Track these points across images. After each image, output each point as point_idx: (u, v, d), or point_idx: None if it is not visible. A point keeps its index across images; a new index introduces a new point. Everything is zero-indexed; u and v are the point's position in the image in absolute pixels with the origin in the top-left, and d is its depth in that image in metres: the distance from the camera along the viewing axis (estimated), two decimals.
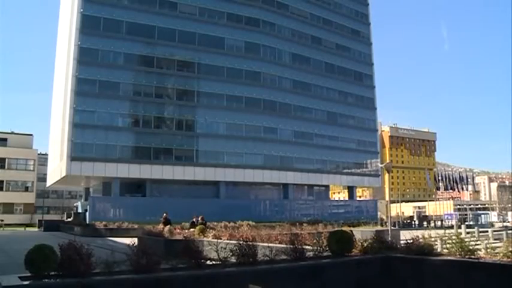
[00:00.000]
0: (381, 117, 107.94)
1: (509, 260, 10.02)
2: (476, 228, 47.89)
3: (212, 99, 69.36)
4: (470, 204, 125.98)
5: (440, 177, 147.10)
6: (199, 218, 33.26)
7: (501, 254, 10.37)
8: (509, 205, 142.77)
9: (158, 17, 66.99)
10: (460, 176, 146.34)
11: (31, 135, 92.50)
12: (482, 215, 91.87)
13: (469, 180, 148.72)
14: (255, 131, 71.91)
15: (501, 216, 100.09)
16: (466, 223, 70.30)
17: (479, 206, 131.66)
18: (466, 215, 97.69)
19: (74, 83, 60.88)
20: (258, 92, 72.55)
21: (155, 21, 66.70)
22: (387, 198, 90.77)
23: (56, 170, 68.26)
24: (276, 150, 73.48)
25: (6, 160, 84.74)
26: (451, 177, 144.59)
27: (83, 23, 62.70)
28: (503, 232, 43.87)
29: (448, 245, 11.95)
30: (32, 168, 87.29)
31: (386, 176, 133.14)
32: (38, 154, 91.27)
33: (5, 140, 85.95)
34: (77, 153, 59.31)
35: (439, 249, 12.93)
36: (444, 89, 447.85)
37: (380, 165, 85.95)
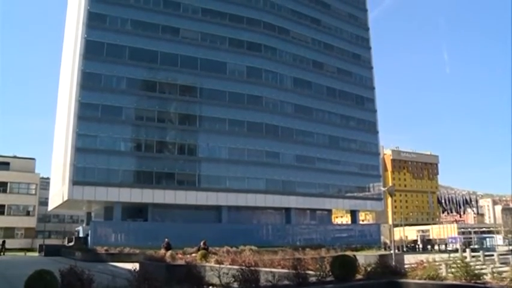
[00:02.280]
0: (382, 140, 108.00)
1: None
2: (481, 252, 47.32)
3: (214, 123, 69.53)
4: (474, 228, 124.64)
5: (443, 200, 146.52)
6: (202, 243, 33.11)
7: (508, 279, 10.24)
8: None
9: (161, 42, 67.70)
10: (463, 199, 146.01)
11: (33, 159, 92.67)
12: (487, 239, 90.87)
13: (472, 203, 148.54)
14: (257, 155, 71.88)
15: (507, 240, 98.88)
16: (471, 247, 69.59)
17: (484, 229, 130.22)
18: (470, 238, 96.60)
19: (76, 107, 61.21)
20: (259, 117, 72.84)
21: (158, 46, 67.36)
22: (390, 222, 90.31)
23: (58, 194, 68.12)
24: (278, 174, 73.35)
25: (8, 184, 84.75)
26: (454, 200, 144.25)
27: (87, 48, 63.32)
28: (510, 256, 43.39)
29: (453, 270, 11.82)
30: (33, 192, 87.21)
31: (389, 199, 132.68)
32: (40, 178, 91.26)
33: (8, 164, 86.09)
34: (79, 177, 59.25)
35: (444, 274, 12.77)
36: (446, 111, 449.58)
37: (382, 189, 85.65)
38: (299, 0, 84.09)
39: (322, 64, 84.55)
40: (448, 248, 74.36)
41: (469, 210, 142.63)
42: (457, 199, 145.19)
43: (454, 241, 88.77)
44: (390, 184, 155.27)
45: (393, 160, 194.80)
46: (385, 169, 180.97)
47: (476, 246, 75.85)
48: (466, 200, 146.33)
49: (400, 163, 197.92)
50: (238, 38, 73.97)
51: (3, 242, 64.74)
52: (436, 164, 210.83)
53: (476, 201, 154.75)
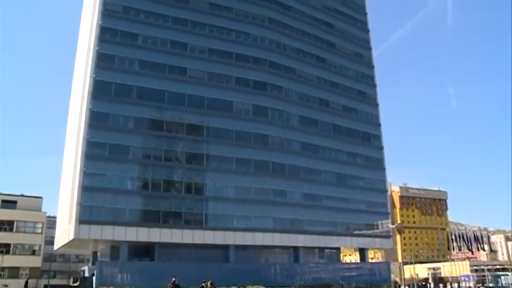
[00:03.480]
0: (390, 177, 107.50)
1: None
2: None
3: (221, 162, 69.67)
4: (487, 265, 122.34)
5: (454, 237, 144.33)
6: (209, 283, 32.73)
7: None
8: None
9: (168, 81, 68.71)
10: (474, 236, 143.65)
11: (40, 197, 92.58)
12: (502, 277, 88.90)
13: (484, 239, 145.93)
14: (264, 194, 71.74)
15: None
16: (485, 285, 68.17)
17: (498, 266, 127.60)
18: (484, 276, 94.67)
19: (84, 146, 61.67)
20: (266, 155, 73.06)
21: (165, 86, 68.34)
22: (400, 259, 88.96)
23: (64, 233, 67.86)
24: (286, 213, 72.96)
25: (15, 223, 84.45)
26: (465, 237, 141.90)
27: (95, 88, 64.36)
28: None
29: None
30: (40, 231, 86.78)
31: (398, 237, 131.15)
32: (47, 217, 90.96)
33: (15, 202, 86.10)
34: (86, 216, 59.08)
35: None
36: (453, 146, 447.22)
37: (391, 226, 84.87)
38: (304, 39, 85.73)
39: (328, 102, 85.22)
40: (461, 287, 72.83)
41: (480, 246, 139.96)
42: (468, 235, 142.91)
43: (467, 279, 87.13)
44: (399, 221, 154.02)
45: (401, 197, 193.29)
46: (394, 206, 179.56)
47: (491, 285, 74.29)
48: (477, 236, 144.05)
49: (409, 199, 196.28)
50: (245, 77, 75.03)
51: (26, 282, 64.12)
52: (445, 200, 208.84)
53: (488, 238, 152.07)
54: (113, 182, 62.35)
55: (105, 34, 67.71)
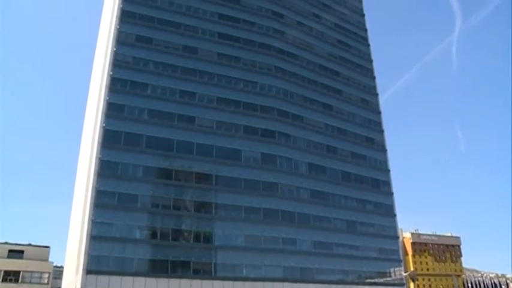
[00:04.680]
0: (401, 223, 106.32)
1: None
2: None
3: (230, 211, 69.39)
4: None
5: (470, 285, 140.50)
6: None
7: None
8: None
9: (177, 130, 69.53)
10: (492, 283, 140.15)
11: (48, 247, 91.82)
12: None
13: (502, 286, 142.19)
14: (274, 242, 70.87)
15: None
16: None
17: None
18: None
19: (93, 195, 61.75)
20: (275, 203, 72.70)
21: (174, 134, 69.03)
22: None
23: (71, 284, 67.04)
24: (296, 261, 71.81)
25: (21, 273, 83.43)
26: (481, 284, 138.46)
27: (105, 137, 65.16)
28: None
29: None
30: (46, 282, 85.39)
31: (412, 285, 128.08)
32: (54, 267, 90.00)
33: (22, 252, 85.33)
34: (93, 266, 58.41)
35: None
36: (464, 190, 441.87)
37: (404, 274, 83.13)
38: (311, 87, 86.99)
39: (336, 149, 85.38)
40: None
41: None
42: (486, 283, 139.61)
43: None
44: (411, 268, 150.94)
45: (413, 243, 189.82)
46: (406, 253, 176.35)
47: None
48: (494, 283, 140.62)
49: (421, 246, 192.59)
50: (253, 126, 75.70)
51: None
52: (459, 246, 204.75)
53: (507, 285, 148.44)
54: (121, 231, 62.08)
55: (116, 84, 69.23)
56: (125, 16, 74.72)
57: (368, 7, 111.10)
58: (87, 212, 61.72)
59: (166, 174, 67.19)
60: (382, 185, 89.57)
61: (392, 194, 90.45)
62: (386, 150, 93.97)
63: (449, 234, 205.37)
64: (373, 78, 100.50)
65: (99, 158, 63.86)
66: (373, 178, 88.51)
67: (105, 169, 63.52)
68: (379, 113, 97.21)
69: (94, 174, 63.06)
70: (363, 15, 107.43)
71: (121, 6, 75.17)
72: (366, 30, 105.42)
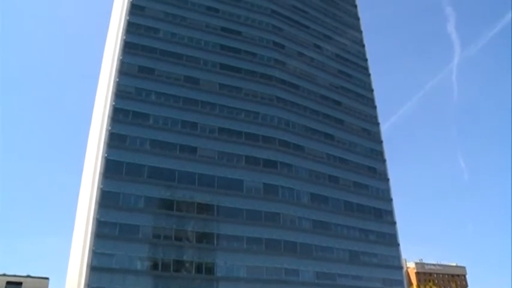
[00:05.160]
0: (405, 253, 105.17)
1: None
2: None
3: (232, 241, 68.89)
4: None
5: None
6: None
7: None
8: None
9: (179, 161, 69.60)
10: None
11: (47, 278, 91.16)
12: None
13: None
14: (276, 273, 70.00)
15: None
16: None
17: None
18: None
19: (94, 225, 61.45)
20: (277, 234, 72.11)
21: (176, 165, 69.12)
22: None
23: None
24: None
25: None
26: None
27: (106, 167, 65.22)
28: None
29: None
30: None
31: None
32: None
33: (20, 284, 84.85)
34: None
35: None
36: (469, 219, 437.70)
37: None
38: (312, 116, 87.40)
39: (338, 178, 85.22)
40: None
41: None
42: None
43: None
44: None
45: (418, 273, 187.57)
46: (410, 283, 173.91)
47: None
48: None
49: (425, 276, 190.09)
50: (255, 156, 75.82)
51: None
52: (464, 276, 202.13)
53: None
54: (122, 262, 61.58)
55: (118, 114, 69.69)
56: (128, 47, 75.72)
57: (368, 37, 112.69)
58: (88, 243, 61.25)
59: (167, 204, 66.94)
60: (384, 215, 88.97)
61: (395, 223, 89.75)
62: (388, 180, 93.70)
63: (454, 264, 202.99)
64: (374, 107, 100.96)
65: (101, 188, 63.77)
66: (375, 208, 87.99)
67: (107, 199, 63.37)
68: (381, 142, 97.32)
69: (95, 204, 62.89)
70: (363, 45, 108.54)
71: (124, 37, 76.28)
72: (366, 60, 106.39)
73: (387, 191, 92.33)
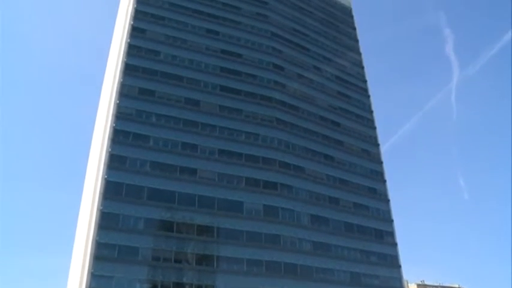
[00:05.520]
0: (406, 274, 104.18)
1: None
2: None
3: (232, 264, 68.41)
4: None
5: None
6: None
7: None
8: None
9: (179, 182, 69.59)
10: None
11: None
12: None
13: None
14: None
15: None
16: None
17: None
18: None
19: (93, 247, 61.12)
20: (278, 256, 71.63)
21: (176, 186, 69.06)
22: None
23: None
24: None
25: None
26: None
27: (106, 188, 65.19)
28: None
29: None
30: None
31: None
32: None
33: None
34: None
35: None
36: (471, 239, 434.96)
37: None
38: (312, 138, 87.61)
39: (339, 200, 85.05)
40: None
41: None
42: None
43: None
44: None
45: None
46: None
47: None
48: None
49: None
50: (255, 177, 75.80)
51: None
52: None
53: None
54: (121, 285, 61.07)
55: (118, 136, 70.00)
56: (129, 69, 76.45)
57: (367, 59, 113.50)
58: (87, 265, 60.79)
59: (167, 226, 66.74)
60: (385, 236, 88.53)
61: (396, 244, 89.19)
62: (389, 200, 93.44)
63: (456, 286, 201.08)
64: (374, 128, 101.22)
65: (100, 210, 63.64)
66: (376, 229, 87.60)
67: (106, 221, 63.24)
68: (381, 163, 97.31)
69: (95, 226, 62.65)
70: (363, 67, 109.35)
71: (125, 59, 77.04)
72: (365, 81, 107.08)
73: (388, 212, 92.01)
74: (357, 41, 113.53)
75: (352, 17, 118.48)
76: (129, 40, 79.33)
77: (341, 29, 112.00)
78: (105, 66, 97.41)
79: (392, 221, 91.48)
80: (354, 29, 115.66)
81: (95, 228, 62.46)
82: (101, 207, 63.81)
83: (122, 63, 76.59)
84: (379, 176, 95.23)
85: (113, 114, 71.37)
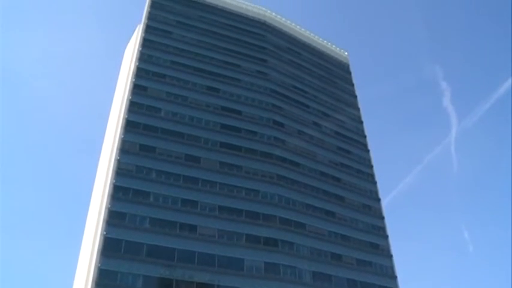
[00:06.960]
0: None
1: None
2: None
3: None
4: None
5: None
6: None
7: None
8: None
9: (178, 239, 68.78)
10: None
11: None
12: None
13: None
14: None
15: None
16: None
17: None
18: None
19: None
20: None
21: (175, 243, 68.23)
22: None
23: None
24: None
25: None
26: None
27: (105, 245, 64.34)
28: None
29: None
30: None
31: None
32: None
33: None
34: None
35: None
36: None
37: None
38: (313, 194, 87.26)
39: (341, 256, 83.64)
40: None
41: None
42: None
43: None
44: None
45: None
46: None
47: None
48: None
49: None
50: (255, 234, 74.91)
51: None
52: None
53: None
54: None
55: (118, 192, 69.88)
56: (129, 126, 77.31)
57: (366, 113, 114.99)
58: None
59: (166, 284, 65.30)
60: None
61: None
62: (392, 256, 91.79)
63: None
64: (375, 183, 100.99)
65: (99, 267, 62.52)
66: (380, 285, 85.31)
67: (104, 279, 61.80)
68: (383, 218, 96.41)
69: (92, 284, 61.39)
70: (361, 122, 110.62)
71: (126, 116, 78.02)
72: (365, 136, 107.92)
73: (391, 267, 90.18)
74: (355, 96, 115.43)
75: (349, 73, 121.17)
76: (130, 97, 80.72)
77: (339, 85, 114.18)
78: (107, 122, 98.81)
79: (396, 277, 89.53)
80: (352, 84, 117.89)
81: (92, 286, 61.17)
82: (99, 264, 62.72)
83: (123, 120, 77.56)
84: (381, 231, 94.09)
85: (113, 170, 71.58)
